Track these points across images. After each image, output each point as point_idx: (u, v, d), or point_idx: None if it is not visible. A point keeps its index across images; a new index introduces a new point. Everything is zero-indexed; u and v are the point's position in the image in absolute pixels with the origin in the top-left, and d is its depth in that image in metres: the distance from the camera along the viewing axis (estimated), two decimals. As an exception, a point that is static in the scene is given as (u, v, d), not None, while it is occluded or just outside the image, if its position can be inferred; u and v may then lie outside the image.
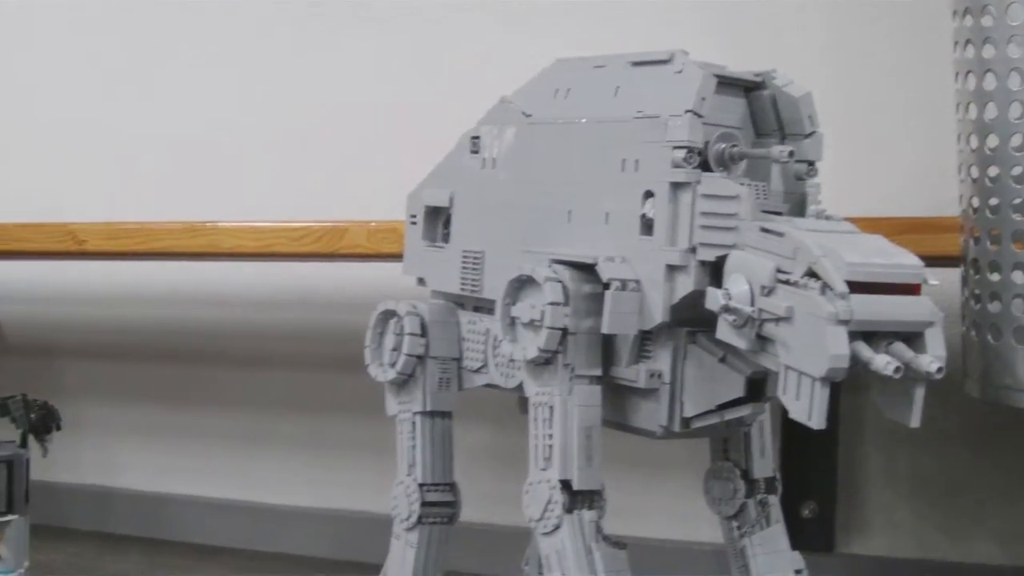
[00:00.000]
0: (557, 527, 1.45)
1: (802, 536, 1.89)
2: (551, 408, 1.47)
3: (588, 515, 1.46)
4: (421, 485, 1.70)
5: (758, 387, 1.46)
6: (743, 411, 1.46)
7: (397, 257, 1.93)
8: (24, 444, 2.12)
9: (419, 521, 1.70)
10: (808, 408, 1.29)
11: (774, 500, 1.62)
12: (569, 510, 1.46)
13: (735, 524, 1.62)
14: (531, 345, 1.48)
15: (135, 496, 3.04)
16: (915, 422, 1.31)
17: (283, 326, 2.89)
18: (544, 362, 1.48)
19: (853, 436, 2.44)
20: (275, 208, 2.50)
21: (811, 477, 2.38)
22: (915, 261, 1.33)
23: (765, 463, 1.62)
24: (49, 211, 2.72)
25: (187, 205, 2.65)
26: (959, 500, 2.41)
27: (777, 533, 1.61)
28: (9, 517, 2.04)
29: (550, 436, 1.47)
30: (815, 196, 1.50)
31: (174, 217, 2.46)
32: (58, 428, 2.15)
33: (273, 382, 2.94)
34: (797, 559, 1.60)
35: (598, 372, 1.49)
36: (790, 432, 2.10)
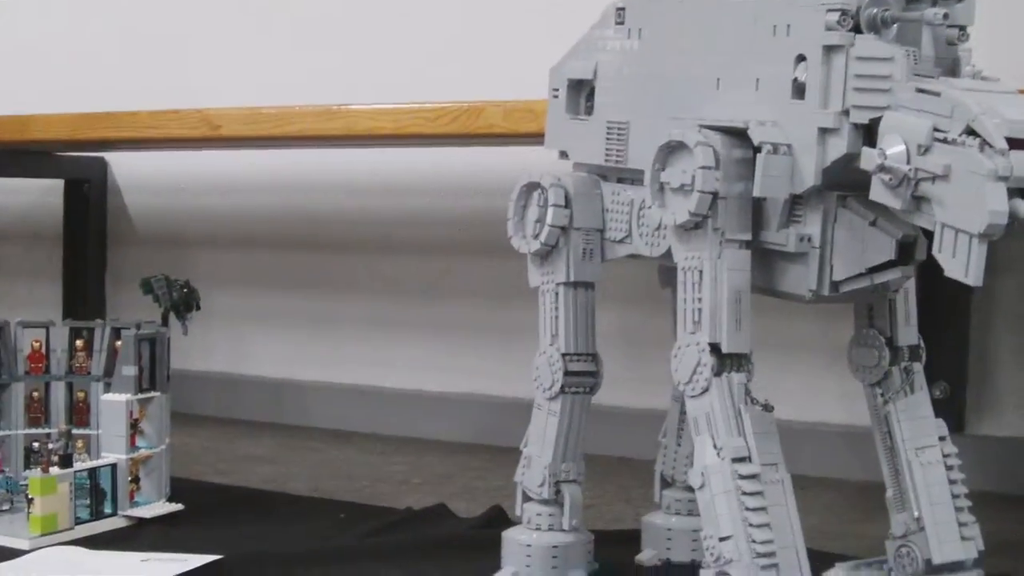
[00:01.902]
0: (706, 389, 1.47)
1: (933, 416, 1.89)
2: (700, 272, 1.49)
3: (737, 378, 1.47)
4: (564, 355, 1.72)
5: (908, 250, 1.46)
6: (893, 274, 1.47)
7: (533, 136, 1.93)
8: (165, 323, 2.17)
9: (562, 390, 1.72)
10: (965, 265, 1.29)
11: (918, 367, 1.62)
12: (718, 373, 1.47)
13: (879, 391, 1.62)
14: (681, 209, 1.49)
15: (265, 383, 3.11)
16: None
17: (413, 212, 2.92)
18: (694, 226, 1.49)
19: (986, 318, 2.43)
20: (410, 91, 2.52)
21: (942, 358, 2.37)
22: (1073, 119, 1.31)
23: (910, 331, 1.62)
24: (182, 97, 2.75)
25: (322, 89, 2.67)
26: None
27: (921, 400, 1.61)
28: (152, 394, 2.10)
29: (699, 300, 1.48)
30: (967, 60, 1.49)
31: (310, 101, 2.49)
32: (198, 308, 2.20)
33: (402, 269, 2.98)
34: (941, 426, 1.61)
35: (748, 236, 1.49)
36: (921, 312, 2.08)
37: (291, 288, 3.10)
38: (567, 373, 1.72)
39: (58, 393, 2.17)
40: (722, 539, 1.42)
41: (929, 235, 1.37)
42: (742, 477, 1.43)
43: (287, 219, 3.06)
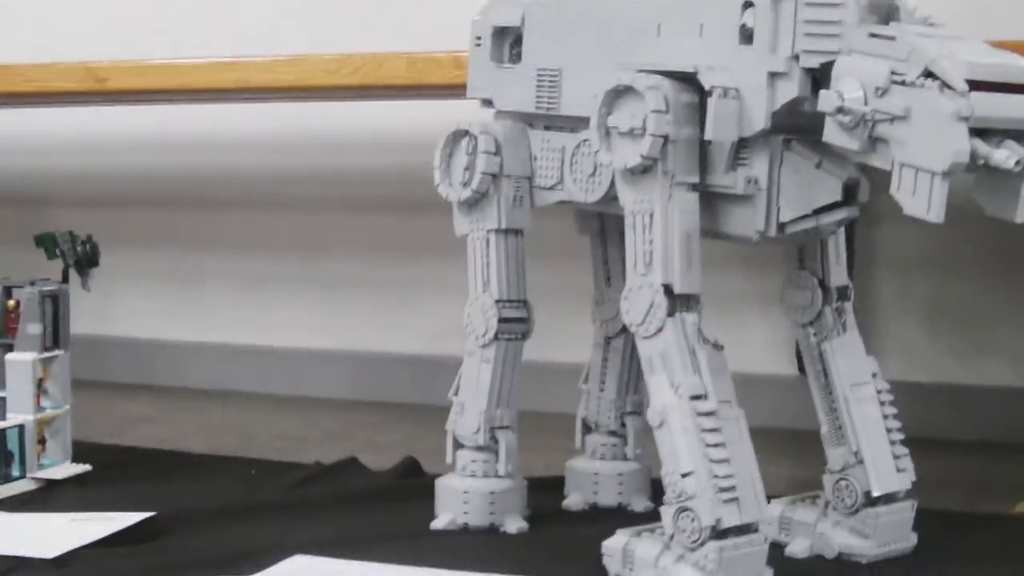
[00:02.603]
0: (660, 329, 1.49)
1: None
2: (651, 215, 1.50)
3: (690, 317, 1.50)
4: (497, 301, 1.73)
5: (852, 192, 1.50)
6: (838, 215, 1.51)
7: (439, 89, 1.92)
8: (66, 280, 2.11)
9: (496, 337, 1.73)
10: (927, 203, 1.33)
11: (849, 307, 1.67)
12: (671, 313, 1.49)
13: (812, 331, 1.66)
14: (632, 153, 1.50)
15: (138, 344, 3.04)
16: (1020, 217, 1.36)
17: (296, 169, 2.89)
18: (643, 171, 1.51)
19: (867, 268, 2.50)
20: (308, 44, 2.48)
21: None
22: (1024, 63, 1.37)
23: (840, 271, 1.67)
24: (66, 50, 2.66)
25: (214, 41, 2.62)
26: (972, 325, 2.49)
27: (853, 338, 1.67)
28: (56, 353, 2.04)
29: (650, 242, 1.50)
30: (904, 7, 1.53)
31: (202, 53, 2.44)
32: (97, 264, 2.14)
33: (282, 226, 2.94)
34: (873, 363, 1.66)
35: (696, 179, 1.52)
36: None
37: (165, 247, 3.04)
38: (501, 320, 1.73)
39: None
40: (684, 475, 1.44)
41: (871, 176, 1.42)
42: (700, 414, 1.46)
43: (166, 178, 2.99)
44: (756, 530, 1.47)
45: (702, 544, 1.44)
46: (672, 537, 1.47)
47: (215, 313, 3.00)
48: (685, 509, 1.45)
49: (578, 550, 1.64)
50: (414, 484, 1.95)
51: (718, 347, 1.51)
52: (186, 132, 2.92)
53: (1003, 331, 2.47)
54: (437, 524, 1.74)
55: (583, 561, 1.59)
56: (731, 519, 1.44)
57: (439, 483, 1.77)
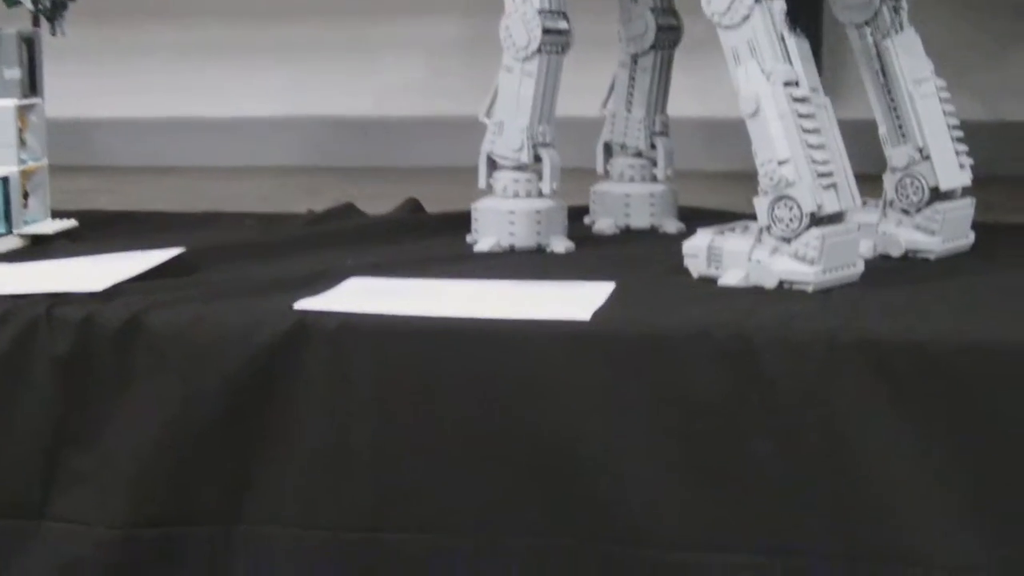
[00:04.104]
0: (747, 17, 1.43)
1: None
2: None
3: (777, 4, 1.44)
4: (540, 12, 1.65)
5: None
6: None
7: None
8: (36, 24, 1.96)
9: (539, 50, 1.65)
10: None
11: (905, 3, 1.63)
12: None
13: (869, 30, 1.62)
14: None
15: (74, 124, 2.86)
16: None
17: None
18: None
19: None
20: None
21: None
22: None
23: (894, -33, 1.62)
24: None
25: None
26: (941, 61, 2.47)
27: (912, 36, 1.63)
28: (34, 100, 1.90)
29: (731, -72, 1.43)
30: None
31: None
32: (66, 7, 1.98)
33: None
34: (929, 61, 1.63)
35: None
36: None
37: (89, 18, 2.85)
38: (544, 31, 1.65)
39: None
40: (781, 162, 1.40)
41: None
42: (795, 100, 1.41)
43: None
44: (845, 219, 1.43)
45: (802, 233, 1.40)
46: (766, 229, 1.42)
47: (159, 86, 2.83)
48: (783, 197, 1.40)
49: (640, 261, 1.59)
50: (438, 217, 1.87)
51: (802, 34, 1.45)
52: None
53: (974, 66, 2.46)
54: (482, 247, 1.67)
55: (656, 266, 1.54)
56: (831, 205, 1.40)
57: (478, 206, 1.70)
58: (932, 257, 1.60)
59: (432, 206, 1.97)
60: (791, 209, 1.40)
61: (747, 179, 2.34)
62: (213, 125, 2.79)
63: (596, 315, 1.31)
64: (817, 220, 1.40)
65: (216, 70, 2.76)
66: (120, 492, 1.36)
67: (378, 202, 2.01)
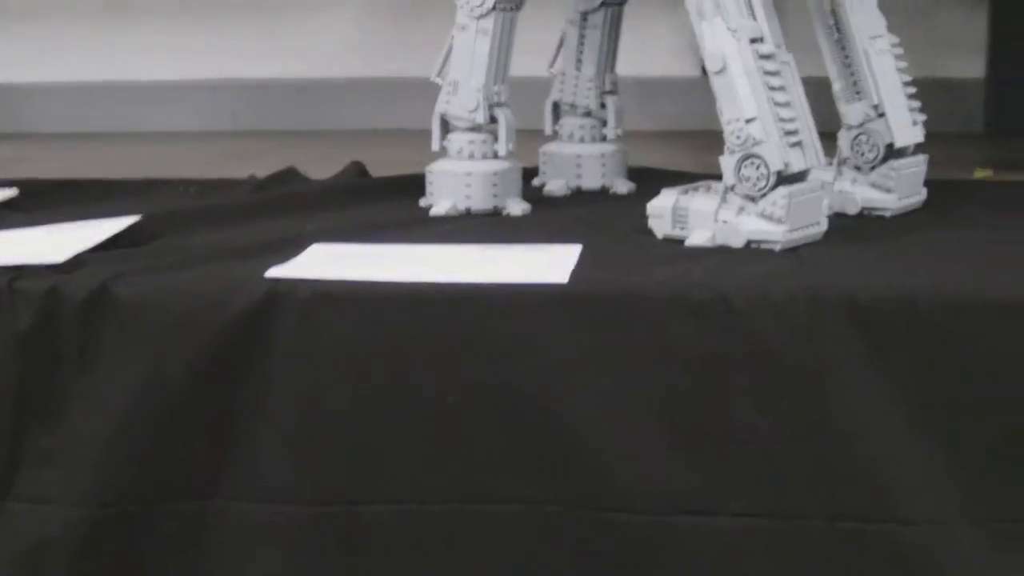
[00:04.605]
0: None
1: None
2: None
3: None
4: (493, -32, 1.63)
5: None
6: None
7: None
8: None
9: (493, 7, 1.64)
10: None
11: (856, -40, 1.64)
12: (720, -44, 1.43)
13: (816, -13, 1.63)
14: None
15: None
16: None
17: None
18: None
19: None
20: None
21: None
22: None
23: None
24: None
25: None
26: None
27: (869, -4, 1.63)
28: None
29: None
30: None
31: None
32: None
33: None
34: (882, 18, 1.64)
35: None
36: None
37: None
38: None
39: None
40: (748, 121, 1.40)
41: None
42: (761, 57, 1.41)
43: None
44: (807, 178, 1.44)
45: (768, 192, 1.40)
46: (731, 189, 1.43)
47: (83, 49, 2.76)
48: (750, 156, 1.41)
49: (600, 222, 1.59)
50: (388, 180, 1.86)
51: (766, -11, 1.46)
52: None
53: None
54: (438, 210, 1.66)
55: (618, 227, 1.54)
56: (798, 163, 1.41)
57: (433, 169, 1.69)
58: (888, 214, 1.61)
59: (373, 170, 1.95)
60: (758, 168, 1.40)
61: (681, 138, 2.36)
62: (139, 89, 2.73)
63: (573, 277, 1.30)
64: (783, 179, 1.41)
65: (142, 33, 2.70)
66: (88, 470, 1.33)
67: (317, 166, 1.98)
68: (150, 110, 2.71)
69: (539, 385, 1.28)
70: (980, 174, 1.96)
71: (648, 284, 1.28)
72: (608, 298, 1.27)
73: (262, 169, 1.98)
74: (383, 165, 1.94)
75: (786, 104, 1.40)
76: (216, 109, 2.70)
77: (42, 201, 1.82)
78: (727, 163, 1.42)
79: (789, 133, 1.40)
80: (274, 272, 1.33)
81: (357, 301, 1.30)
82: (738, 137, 1.41)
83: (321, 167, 1.97)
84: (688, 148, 2.31)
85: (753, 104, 1.40)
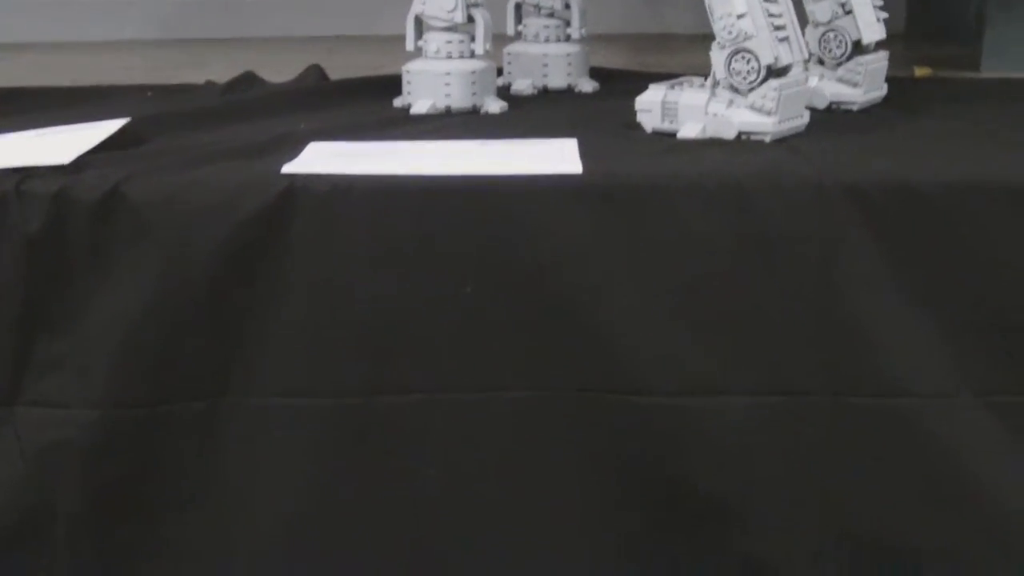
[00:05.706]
0: None
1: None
2: None
3: None
4: None
5: None
6: None
7: None
8: None
9: None
10: None
11: None
12: None
13: None
14: None
15: None
16: None
17: None
18: None
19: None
20: None
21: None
22: None
23: None
24: None
25: None
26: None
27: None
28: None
29: None
30: None
31: None
32: None
33: None
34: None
35: None
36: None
37: None
38: None
39: None
40: (739, 16, 1.45)
41: None
42: (751, -44, 1.45)
43: None
44: (790, 72, 1.49)
45: (758, 85, 1.45)
46: (719, 84, 1.47)
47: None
48: (741, 50, 1.45)
49: (582, 119, 1.63)
50: (354, 82, 1.87)
51: None
52: None
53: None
54: (419, 109, 1.68)
55: (602, 122, 1.58)
56: (786, 57, 1.46)
57: (411, 68, 1.71)
58: (855, 108, 1.67)
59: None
60: (749, 62, 1.45)
61: (627, 40, 2.40)
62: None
63: (585, 168, 1.34)
64: (771, 72, 1.46)
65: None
66: (101, 372, 1.34)
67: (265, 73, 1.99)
68: (76, 19, 2.65)
69: (555, 273, 1.31)
70: (920, 72, 2.02)
71: (662, 173, 1.32)
72: (625, 186, 1.31)
73: (203, 77, 1.98)
74: (335, 69, 1.95)
75: (774, 0, 1.45)
76: (143, 17, 2.66)
77: (6, 109, 1.79)
78: (717, 57, 1.47)
79: (778, 28, 1.45)
80: (290, 168, 1.35)
81: (378, 194, 1.32)
82: (729, 32, 1.45)
83: (292, 71, 1.98)
84: (626, 51, 2.36)
85: (743, 0, 1.44)
